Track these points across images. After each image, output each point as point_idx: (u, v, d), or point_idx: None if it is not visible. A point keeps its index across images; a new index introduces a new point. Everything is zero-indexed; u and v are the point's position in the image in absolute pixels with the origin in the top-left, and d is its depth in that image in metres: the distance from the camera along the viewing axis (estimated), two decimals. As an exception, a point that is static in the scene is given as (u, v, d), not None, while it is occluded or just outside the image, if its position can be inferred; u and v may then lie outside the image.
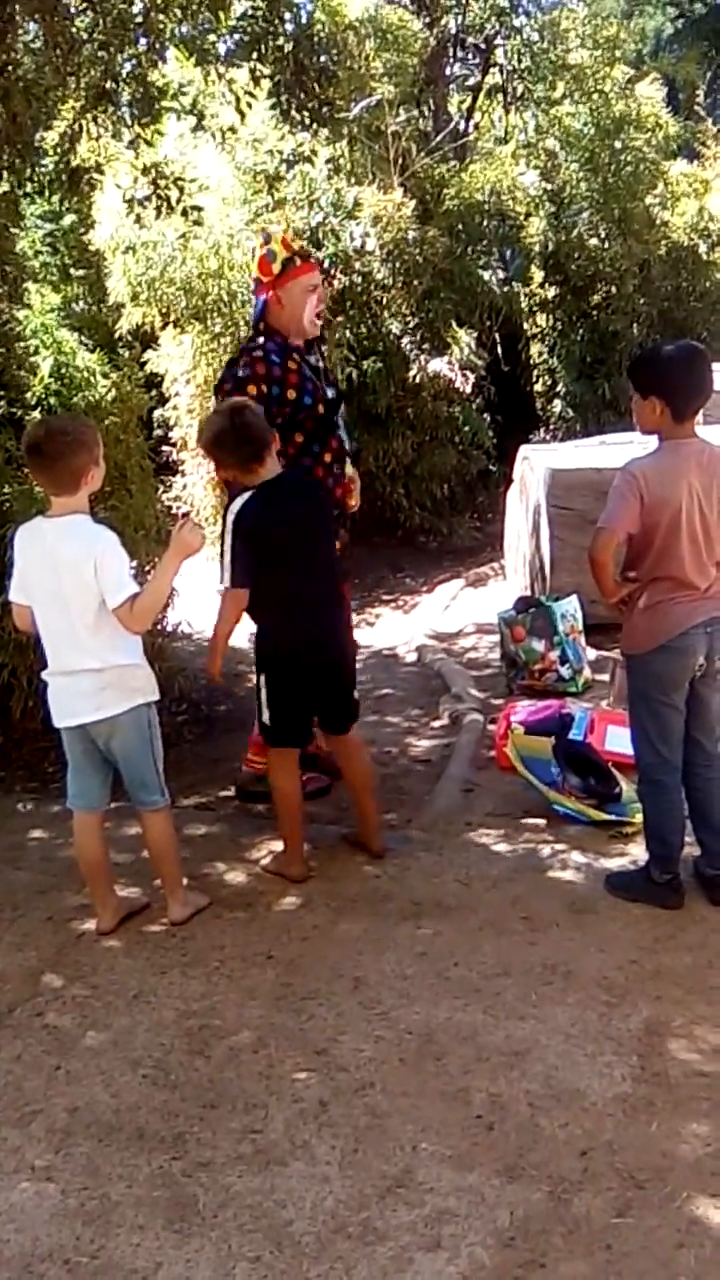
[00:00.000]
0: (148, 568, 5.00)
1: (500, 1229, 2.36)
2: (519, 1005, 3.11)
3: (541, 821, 4.20)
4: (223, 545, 3.65)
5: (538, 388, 11.02)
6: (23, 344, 6.28)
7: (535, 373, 11.00)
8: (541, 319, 10.92)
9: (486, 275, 10.26)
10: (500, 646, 5.96)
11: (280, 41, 5.38)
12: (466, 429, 9.55)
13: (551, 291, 10.80)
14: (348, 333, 8.89)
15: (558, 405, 10.86)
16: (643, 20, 20.49)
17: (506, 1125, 2.66)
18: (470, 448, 9.65)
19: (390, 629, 7.78)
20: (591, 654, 5.78)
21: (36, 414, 6.14)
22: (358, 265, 9.18)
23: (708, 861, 3.59)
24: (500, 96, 12.95)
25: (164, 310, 9.07)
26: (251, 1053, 2.99)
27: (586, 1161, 2.53)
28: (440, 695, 5.93)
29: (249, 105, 5.76)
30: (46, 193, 7.21)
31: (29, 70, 5.44)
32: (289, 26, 5.47)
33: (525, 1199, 2.43)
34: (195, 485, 9.35)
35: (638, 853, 3.82)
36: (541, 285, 10.77)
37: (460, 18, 12.22)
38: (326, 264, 8.56)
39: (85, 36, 5.20)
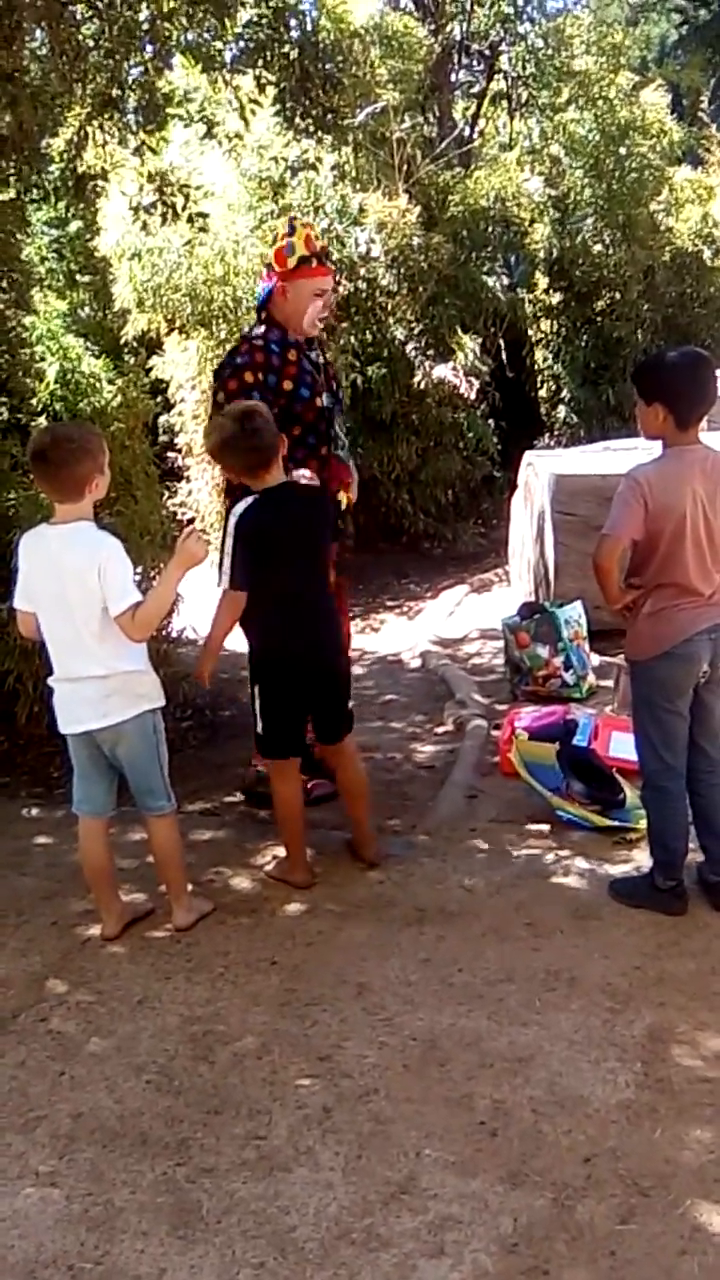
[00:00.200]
0: (153, 573, 5.00)
1: (504, 1235, 2.36)
2: (522, 1011, 3.11)
3: (545, 827, 4.20)
4: (223, 548, 3.66)
5: (542, 393, 11.03)
6: (28, 350, 6.30)
7: (540, 379, 11.01)
8: (546, 325, 10.93)
9: (491, 281, 10.28)
10: (504, 652, 5.97)
11: (286, 48, 5.40)
12: (471, 435, 9.56)
13: (556, 297, 10.81)
14: (352, 339, 8.91)
15: (562, 411, 10.87)
16: (647, 27, 20.53)
17: (510, 1131, 2.66)
18: (475, 454, 9.67)
19: (395, 635, 7.78)
20: (596, 660, 5.78)
21: (42, 420, 6.16)
22: (363, 271, 9.20)
23: (711, 868, 3.59)
24: (505, 103, 12.97)
25: (169, 316, 9.09)
26: (255, 1059, 2.99)
27: (590, 1168, 2.53)
28: (444, 701, 5.93)
29: (253, 112, 5.78)
30: (53, 199, 7.24)
31: (36, 77, 5.46)
32: (294, 33, 5.48)
33: (529, 1205, 2.43)
34: (200, 491, 9.37)
35: (641, 859, 3.82)
36: (546, 291, 10.78)
37: (465, 24, 12.24)
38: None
39: (92, 44, 5.22)
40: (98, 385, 7.28)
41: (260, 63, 5.41)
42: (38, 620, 3.43)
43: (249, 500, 3.65)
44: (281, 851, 4.01)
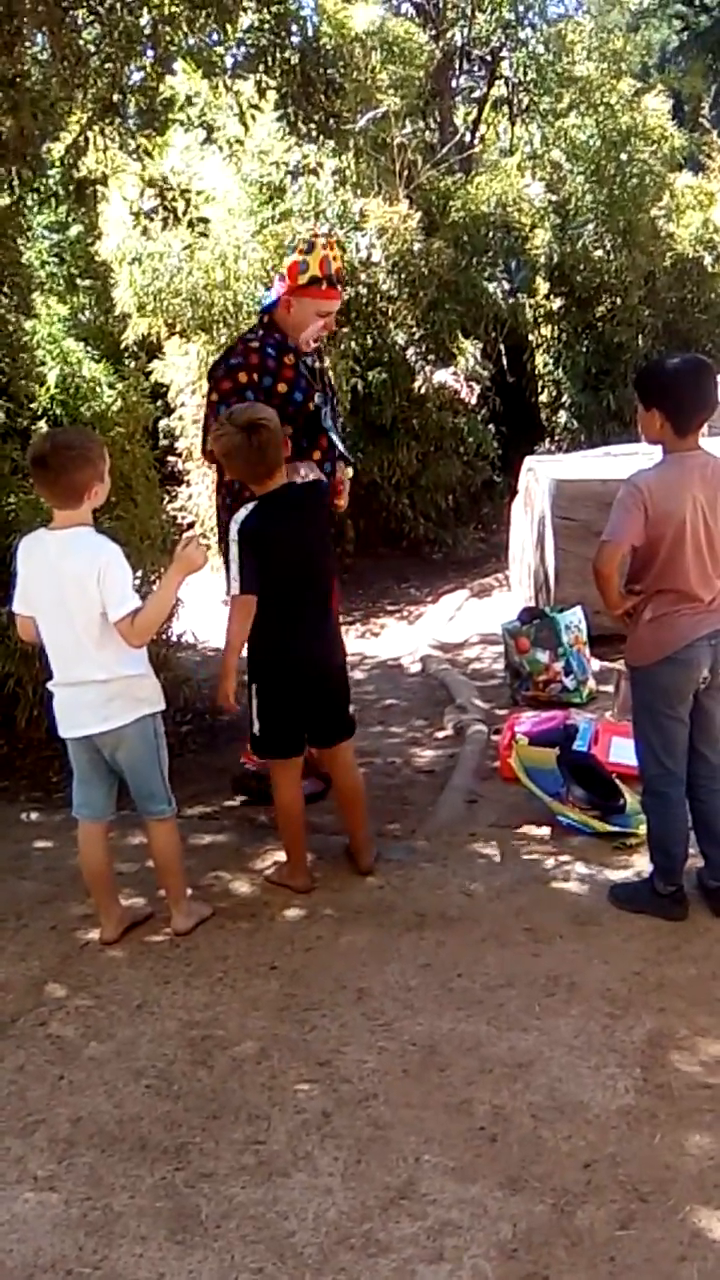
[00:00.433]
0: (153, 577, 5.00)
1: (503, 1241, 2.36)
2: (522, 1017, 3.11)
3: (545, 832, 4.20)
4: (227, 554, 3.66)
5: (543, 399, 11.03)
6: (29, 354, 6.30)
7: (540, 384, 11.01)
8: (546, 330, 10.93)
9: (492, 287, 10.28)
10: (505, 657, 5.97)
11: (287, 54, 5.39)
12: (471, 440, 9.56)
13: (557, 303, 10.81)
14: (353, 343, 8.92)
15: (563, 416, 10.87)
16: (648, 32, 20.50)
17: (509, 1137, 2.66)
18: (475, 459, 9.67)
19: (395, 639, 7.78)
20: (596, 665, 5.78)
21: (42, 424, 6.16)
22: (363, 276, 9.21)
23: (711, 873, 3.59)
24: (506, 109, 12.99)
25: (170, 321, 9.09)
26: (254, 1063, 2.99)
27: (589, 1174, 2.53)
28: (444, 706, 5.93)
29: (254, 118, 5.78)
30: (53, 203, 7.24)
31: (36, 82, 5.46)
32: (296, 39, 5.47)
33: (528, 1211, 2.43)
34: (200, 495, 9.36)
35: (642, 864, 3.82)
36: (547, 297, 10.79)
37: (466, 30, 12.25)
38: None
39: (93, 49, 5.22)
40: (98, 389, 7.28)
41: (262, 68, 5.41)
42: (37, 625, 3.44)
43: (250, 506, 3.65)
44: (281, 856, 4.01)
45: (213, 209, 7.71)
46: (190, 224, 5.95)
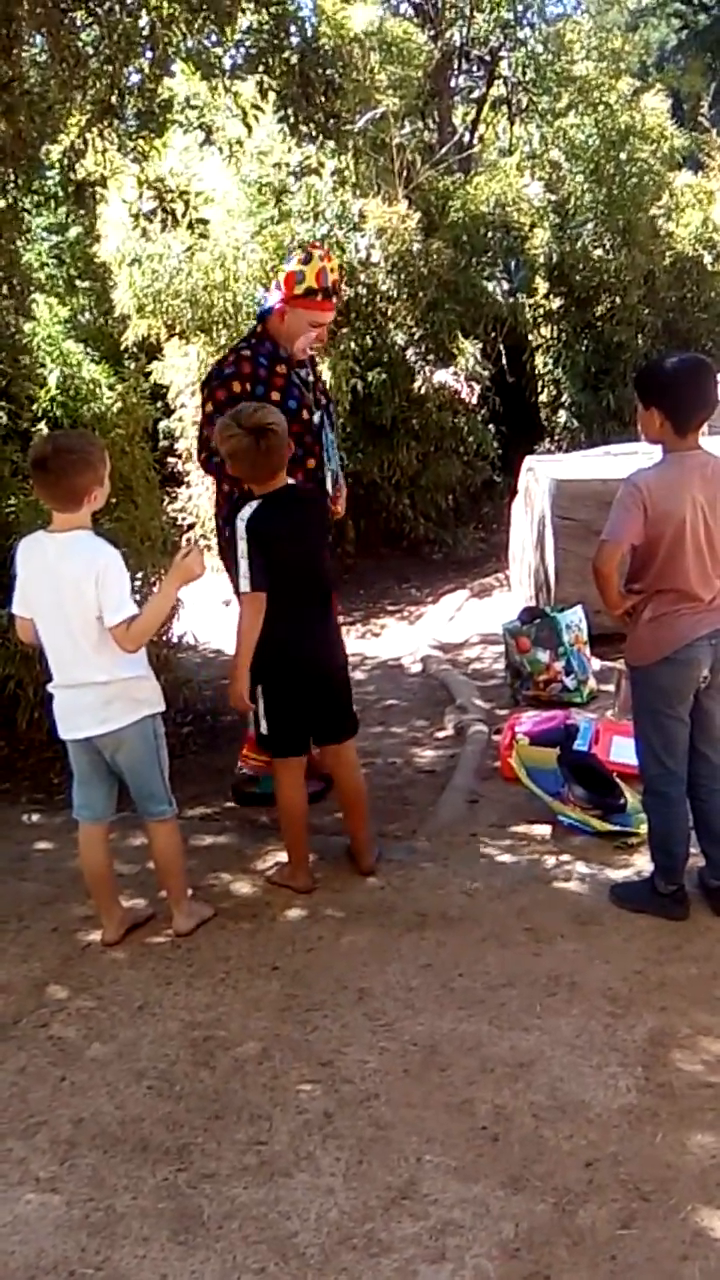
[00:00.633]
0: (153, 579, 5.01)
1: (505, 1240, 2.36)
2: (523, 1016, 3.11)
3: (546, 832, 4.21)
4: (234, 553, 3.66)
5: (542, 398, 11.03)
6: (29, 356, 6.30)
7: (540, 383, 11.01)
8: (546, 330, 10.93)
9: (491, 287, 10.29)
10: (505, 657, 5.97)
11: (286, 55, 5.40)
12: (471, 440, 9.57)
13: (556, 302, 10.81)
14: (353, 344, 8.92)
15: (562, 416, 10.87)
16: (647, 32, 20.54)
17: (511, 1137, 2.66)
18: (475, 458, 9.67)
19: (395, 640, 7.78)
20: (596, 664, 5.78)
21: (42, 426, 6.17)
22: (363, 277, 9.21)
23: (712, 872, 3.59)
24: (505, 108, 12.98)
25: (169, 322, 9.11)
26: (256, 1064, 2.99)
27: (591, 1173, 2.53)
28: (445, 706, 5.93)
29: (255, 119, 5.79)
30: (52, 205, 7.25)
31: (35, 84, 5.47)
32: (295, 40, 5.48)
33: (530, 1210, 2.43)
34: (200, 496, 9.37)
35: (642, 864, 3.82)
36: (546, 296, 10.78)
37: (465, 30, 12.25)
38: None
39: (91, 50, 5.23)
40: (98, 391, 7.30)
41: (261, 69, 5.42)
42: (36, 627, 3.44)
43: (254, 504, 3.65)
44: (283, 857, 4.01)
45: (212, 210, 7.72)
46: (189, 225, 5.96)
